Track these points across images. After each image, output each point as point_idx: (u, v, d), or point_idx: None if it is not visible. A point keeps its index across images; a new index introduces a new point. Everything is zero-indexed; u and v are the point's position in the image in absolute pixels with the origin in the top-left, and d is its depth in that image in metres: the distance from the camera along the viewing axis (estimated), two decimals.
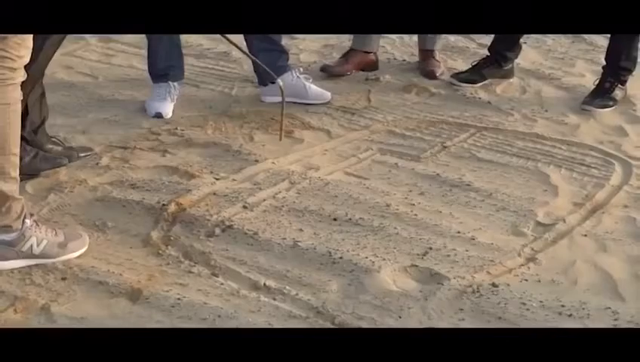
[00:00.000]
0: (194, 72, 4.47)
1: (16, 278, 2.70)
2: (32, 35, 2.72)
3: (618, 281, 2.78)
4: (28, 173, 3.20)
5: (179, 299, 2.61)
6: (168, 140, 3.71)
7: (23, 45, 2.69)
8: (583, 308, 2.63)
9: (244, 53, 3.88)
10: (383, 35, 4.74)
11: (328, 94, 4.14)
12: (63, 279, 2.71)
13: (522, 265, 2.86)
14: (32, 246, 2.76)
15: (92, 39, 4.99)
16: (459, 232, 3.02)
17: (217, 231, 2.99)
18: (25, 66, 2.72)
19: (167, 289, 2.66)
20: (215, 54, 4.81)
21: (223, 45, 4.84)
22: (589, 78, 4.45)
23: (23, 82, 2.73)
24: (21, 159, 3.05)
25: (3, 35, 2.62)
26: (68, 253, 2.81)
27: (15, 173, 2.74)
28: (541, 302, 2.65)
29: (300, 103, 4.07)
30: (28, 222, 2.78)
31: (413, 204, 3.22)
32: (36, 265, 2.75)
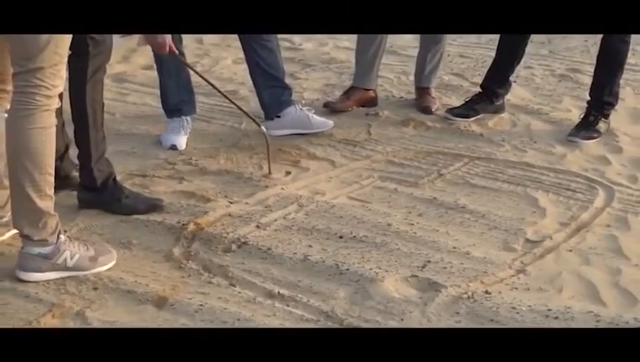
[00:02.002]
0: (204, 109, 4.76)
1: (51, 288, 2.97)
2: (65, 66, 3.02)
3: (600, 289, 3.06)
4: (123, 213, 3.48)
5: (201, 305, 2.88)
6: (184, 169, 3.99)
7: (58, 75, 2.98)
8: (568, 312, 2.90)
9: (230, 100, 4.17)
10: (381, 74, 5.04)
11: (331, 122, 4.44)
12: (95, 289, 2.98)
13: (513, 275, 3.13)
14: (66, 259, 3.03)
15: (106, 79, 5.26)
16: (455, 248, 3.30)
17: (234, 247, 3.26)
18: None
19: (190, 297, 2.93)
20: (225, 92, 5.10)
21: (231, 85, 5.15)
22: (575, 113, 4.74)
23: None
24: (119, 200, 3.39)
25: (40, 65, 2.92)
26: (98, 266, 3.09)
27: (50, 191, 3.02)
28: (530, 306, 2.92)
29: (305, 135, 4.36)
30: (62, 237, 3.05)
31: (413, 224, 3.49)
32: (69, 276, 3.02)
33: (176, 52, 3.95)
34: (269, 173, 3.96)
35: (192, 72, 4.28)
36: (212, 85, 4.18)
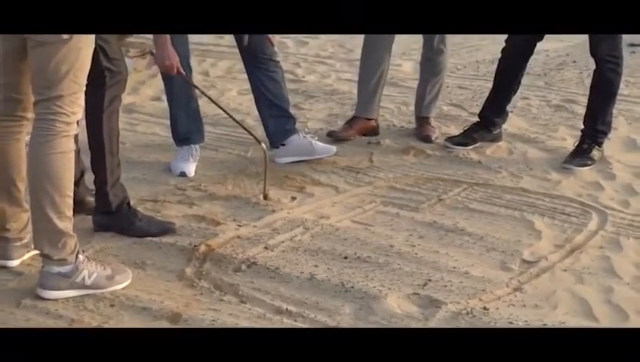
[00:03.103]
0: (212, 138, 4.92)
1: (70, 305, 3.12)
2: (83, 94, 3.20)
3: (593, 306, 3.21)
4: (137, 235, 3.65)
5: (213, 320, 3.03)
6: (193, 195, 4.15)
7: (76, 103, 3.16)
8: (562, 326, 3.05)
9: (235, 120, 4.36)
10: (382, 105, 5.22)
11: (333, 148, 4.61)
12: (112, 306, 3.13)
13: (510, 293, 3.29)
14: (84, 277, 3.18)
15: None
16: (454, 267, 3.46)
17: (243, 267, 3.42)
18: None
19: (203, 313, 3.08)
20: (230, 122, 5.24)
21: (238, 115, 5.29)
22: (569, 142, 4.90)
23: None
24: (133, 223, 3.55)
25: (60, 94, 3.10)
26: (115, 284, 3.24)
27: (69, 213, 3.18)
28: (526, 321, 3.07)
29: (309, 162, 4.53)
30: (81, 256, 3.21)
31: (414, 245, 3.65)
32: (87, 294, 3.17)
33: (183, 73, 4.14)
34: (264, 190, 4.13)
35: (200, 103, 4.46)
36: (218, 105, 4.34)
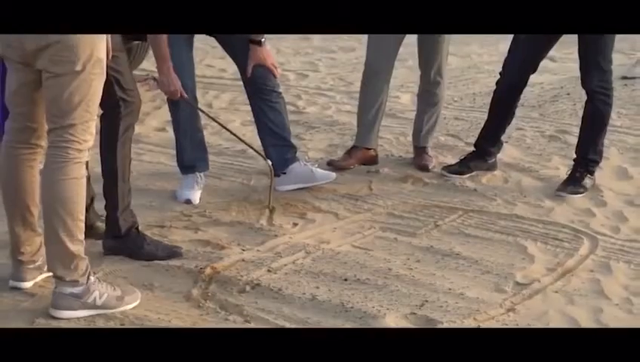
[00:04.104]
0: (216, 167, 5.07)
1: (82, 325, 3.26)
2: (94, 123, 3.35)
3: (583, 326, 3.35)
4: (145, 259, 3.80)
5: None
6: (199, 220, 4.30)
7: (88, 131, 3.32)
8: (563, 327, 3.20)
9: (247, 144, 4.56)
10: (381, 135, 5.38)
11: (333, 174, 4.77)
12: (122, 325, 3.27)
13: (503, 313, 3.43)
14: (95, 298, 3.32)
15: None
16: (450, 289, 3.60)
17: (247, 288, 3.56)
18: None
19: None
20: (233, 152, 5.43)
21: (240, 145, 5.46)
22: (563, 171, 5.05)
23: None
24: (141, 247, 3.70)
25: (72, 122, 3.25)
26: (124, 304, 3.38)
27: (81, 236, 3.32)
28: None
29: (310, 190, 4.68)
30: (92, 278, 3.35)
31: (411, 268, 3.80)
32: (98, 314, 3.31)
33: (186, 96, 4.36)
34: (269, 205, 4.35)
35: (205, 133, 4.64)
36: (221, 125, 4.59)
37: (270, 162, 4.44)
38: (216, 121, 4.61)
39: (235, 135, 4.55)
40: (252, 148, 4.59)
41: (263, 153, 4.59)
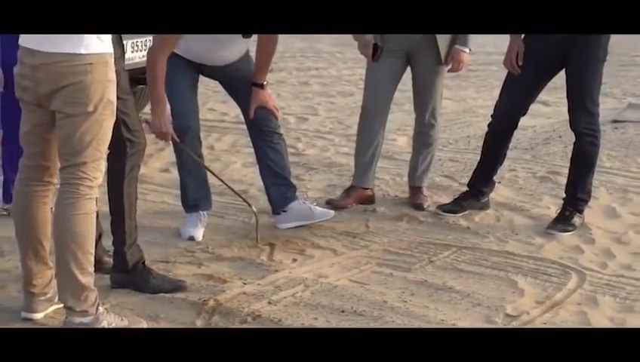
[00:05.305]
0: (218, 206, 5.24)
1: None
2: (104, 161, 3.54)
3: None
4: (151, 292, 3.96)
5: None
6: (202, 256, 4.48)
7: (98, 169, 3.51)
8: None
9: (227, 186, 4.79)
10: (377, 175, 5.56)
11: (332, 212, 4.95)
12: None
13: None
14: (104, 328, 3.49)
15: None
16: (442, 320, 3.77)
17: (249, 319, 3.73)
18: None
19: None
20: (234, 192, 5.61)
21: (242, 185, 5.66)
22: (553, 210, 5.22)
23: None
24: (147, 281, 3.88)
25: (84, 160, 3.44)
26: None
27: (91, 268, 3.50)
28: None
29: (309, 227, 4.86)
30: (101, 308, 3.52)
31: (406, 301, 3.97)
32: None
33: (177, 140, 4.56)
34: (257, 241, 4.58)
35: (208, 172, 4.83)
36: (209, 170, 4.81)
37: (255, 208, 4.66)
38: (204, 166, 4.80)
39: (222, 181, 4.80)
40: (235, 191, 4.80)
41: (246, 198, 4.81)
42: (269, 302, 3.91)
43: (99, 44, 3.36)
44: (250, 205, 4.72)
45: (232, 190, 4.81)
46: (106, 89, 3.40)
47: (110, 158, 3.81)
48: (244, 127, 5.04)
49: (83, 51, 3.33)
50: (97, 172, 3.51)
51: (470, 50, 5.21)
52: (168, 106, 4.47)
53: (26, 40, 3.42)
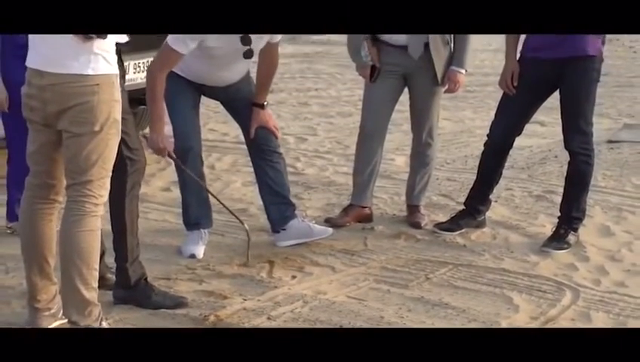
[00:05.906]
0: (218, 224, 5.32)
1: None
2: (109, 180, 3.63)
3: None
4: (153, 308, 4.05)
5: None
6: (203, 273, 4.57)
7: (104, 187, 3.61)
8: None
9: (220, 202, 4.89)
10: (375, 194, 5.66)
11: (330, 230, 5.05)
12: None
13: None
14: None
15: None
16: None
17: None
18: None
19: None
20: (234, 211, 5.68)
21: (241, 204, 5.75)
22: (548, 228, 5.30)
23: None
24: (149, 297, 3.96)
25: (90, 179, 3.53)
26: None
27: (95, 284, 3.59)
28: None
29: (308, 245, 4.94)
30: (104, 323, 3.61)
31: (402, 317, 4.06)
32: None
33: (174, 156, 4.65)
34: (247, 260, 4.66)
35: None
36: (205, 188, 4.94)
37: (247, 227, 4.76)
38: (202, 184, 4.90)
39: (215, 197, 4.91)
40: (229, 209, 4.89)
41: (239, 216, 4.90)
42: (269, 318, 4.00)
43: (106, 65, 3.46)
44: (242, 222, 4.79)
45: (225, 207, 4.89)
46: (112, 109, 3.50)
47: (112, 177, 3.90)
48: (244, 146, 5.15)
49: (90, 72, 3.43)
50: (103, 190, 3.61)
51: (466, 71, 5.31)
52: (169, 123, 4.56)
53: (34, 61, 3.52)
